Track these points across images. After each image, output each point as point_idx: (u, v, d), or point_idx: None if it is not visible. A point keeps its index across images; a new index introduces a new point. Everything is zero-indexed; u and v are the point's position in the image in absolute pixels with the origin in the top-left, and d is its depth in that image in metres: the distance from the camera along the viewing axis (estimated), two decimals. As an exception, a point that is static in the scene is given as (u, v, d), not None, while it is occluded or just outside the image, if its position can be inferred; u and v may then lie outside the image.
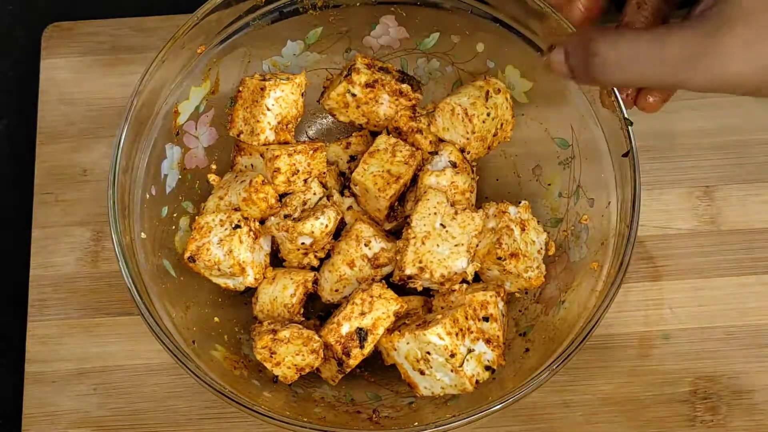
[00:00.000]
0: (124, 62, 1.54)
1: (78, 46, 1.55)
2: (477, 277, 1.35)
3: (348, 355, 1.29)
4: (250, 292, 1.36)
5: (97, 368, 1.41)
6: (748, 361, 1.40)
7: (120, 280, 1.42)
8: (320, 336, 1.29)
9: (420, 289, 1.31)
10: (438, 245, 1.30)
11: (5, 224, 1.52)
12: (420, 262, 1.30)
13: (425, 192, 1.33)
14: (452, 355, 1.24)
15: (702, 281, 1.43)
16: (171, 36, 1.32)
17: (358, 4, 1.39)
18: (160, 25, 1.56)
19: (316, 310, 1.39)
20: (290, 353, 1.29)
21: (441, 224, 1.31)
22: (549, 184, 1.38)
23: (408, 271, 1.30)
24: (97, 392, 1.40)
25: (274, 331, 1.28)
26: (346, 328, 1.29)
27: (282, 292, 1.33)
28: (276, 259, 1.37)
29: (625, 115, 1.28)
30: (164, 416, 1.39)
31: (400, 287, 1.34)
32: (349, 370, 1.31)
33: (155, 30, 1.56)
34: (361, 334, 1.29)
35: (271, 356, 1.29)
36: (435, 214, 1.31)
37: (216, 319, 1.36)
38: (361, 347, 1.29)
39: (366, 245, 1.34)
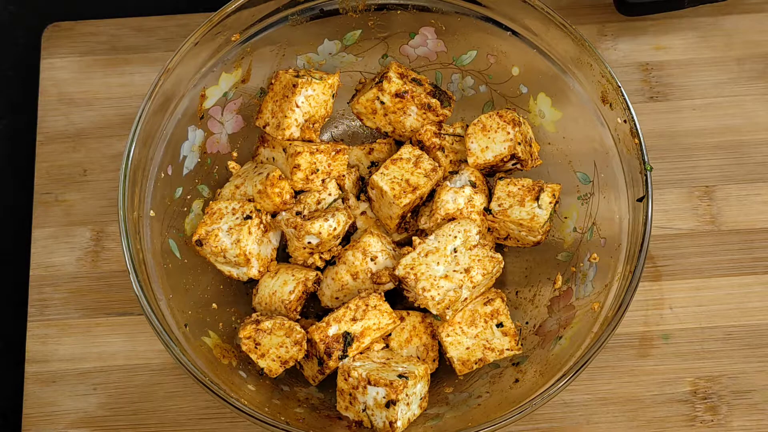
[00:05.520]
0: (124, 62, 1.54)
1: (78, 46, 1.55)
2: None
3: (330, 356, 1.29)
4: (253, 283, 1.36)
5: (97, 368, 1.41)
6: (748, 361, 1.40)
7: (120, 279, 1.44)
8: (307, 332, 1.29)
9: (417, 304, 1.31)
10: (438, 263, 1.30)
11: (5, 224, 1.52)
12: (412, 269, 1.30)
13: (459, 216, 1.33)
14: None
15: (702, 281, 1.43)
16: (207, 20, 1.33)
17: (398, 11, 1.39)
18: (160, 25, 1.56)
19: (317, 311, 1.39)
20: (274, 345, 1.29)
21: (454, 249, 1.30)
22: (565, 218, 1.38)
23: (397, 272, 1.30)
24: (97, 392, 1.40)
25: (258, 322, 1.29)
26: (333, 330, 1.30)
27: (281, 288, 1.33)
28: (284, 255, 1.38)
29: (646, 160, 1.28)
30: (164, 416, 1.39)
31: (402, 300, 1.35)
32: (329, 372, 1.31)
33: (155, 30, 1.56)
34: (347, 339, 1.29)
35: (255, 347, 1.29)
36: (455, 238, 1.31)
37: (214, 305, 1.36)
38: (344, 352, 1.29)
39: (372, 260, 1.34)
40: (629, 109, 1.31)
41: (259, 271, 1.35)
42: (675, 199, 1.47)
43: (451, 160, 1.40)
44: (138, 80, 1.53)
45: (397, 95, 1.37)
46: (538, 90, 1.39)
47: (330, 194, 1.37)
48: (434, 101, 1.38)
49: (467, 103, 1.44)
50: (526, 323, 1.37)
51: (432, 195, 1.37)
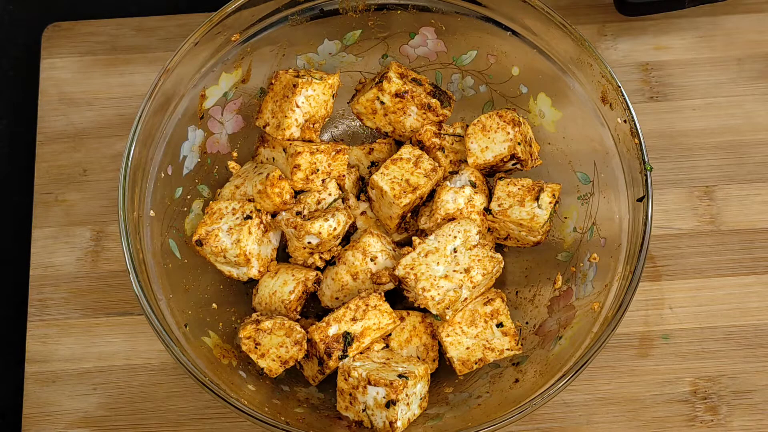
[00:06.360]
0: (124, 62, 1.54)
1: (78, 46, 1.55)
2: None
3: (330, 356, 1.29)
4: (253, 283, 1.36)
5: (97, 368, 1.41)
6: (748, 361, 1.40)
7: (120, 279, 1.44)
8: (307, 332, 1.29)
9: (417, 304, 1.31)
10: (438, 263, 1.30)
11: (5, 224, 1.52)
12: (412, 269, 1.30)
13: (459, 216, 1.33)
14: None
15: (702, 281, 1.43)
16: (207, 20, 1.33)
17: (398, 11, 1.39)
18: (160, 25, 1.56)
19: (317, 311, 1.39)
20: (274, 345, 1.29)
21: (454, 249, 1.30)
22: (565, 218, 1.38)
23: (397, 272, 1.30)
24: (97, 392, 1.40)
25: (258, 321, 1.29)
26: (333, 330, 1.30)
27: (281, 288, 1.33)
28: (284, 255, 1.38)
29: (646, 160, 1.28)
30: (164, 416, 1.39)
31: (402, 300, 1.35)
32: (329, 372, 1.31)
33: (155, 30, 1.56)
34: (347, 339, 1.29)
35: (255, 347, 1.29)
36: (455, 238, 1.31)
37: (214, 305, 1.36)
38: (344, 352, 1.29)
39: (372, 260, 1.34)
40: (629, 109, 1.31)
41: (259, 271, 1.35)
42: (675, 199, 1.47)
43: (451, 160, 1.40)
44: (138, 80, 1.53)
45: (397, 95, 1.37)
46: (538, 90, 1.39)
47: (330, 194, 1.37)
48: (434, 101, 1.38)
49: (467, 103, 1.44)
50: (526, 323, 1.37)
51: (432, 195, 1.37)
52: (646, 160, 1.29)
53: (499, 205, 1.34)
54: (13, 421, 1.43)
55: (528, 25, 1.36)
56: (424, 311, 1.33)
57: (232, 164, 1.40)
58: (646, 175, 1.28)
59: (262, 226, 1.34)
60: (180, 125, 1.35)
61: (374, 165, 1.43)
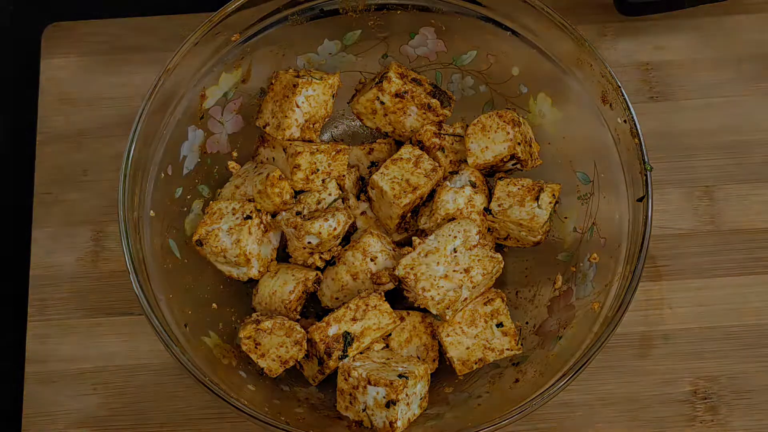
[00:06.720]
0: (124, 62, 1.54)
1: (78, 46, 1.55)
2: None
3: (330, 356, 1.29)
4: (253, 283, 1.36)
5: (97, 368, 1.41)
6: (748, 361, 1.40)
7: (120, 279, 1.44)
8: (307, 332, 1.29)
9: (417, 304, 1.31)
10: (438, 263, 1.30)
11: (5, 224, 1.52)
12: (412, 269, 1.30)
13: (459, 216, 1.33)
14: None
15: (702, 281, 1.43)
16: (207, 20, 1.33)
17: (398, 11, 1.39)
18: (160, 25, 1.56)
19: (317, 311, 1.39)
20: (274, 345, 1.29)
21: (454, 249, 1.30)
22: (565, 218, 1.38)
23: (397, 272, 1.30)
24: (97, 392, 1.40)
25: (258, 321, 1.29)
26: (333, 329, 1.30)
27: (281, 288, 1.33)
28: (284, 255, 1.38)
29: (646, 160, 1.28)
30: (164, 416, 1.39)
31: (402, 300, 1.35)
32: (329, 372, 1.31)
33: (155, 30, 1.56)
34: (347, 339, 1.29)
35: (255, 347, 1.29)
36: (455, 238, 1.31)
37: (214, 305, 1.36)
38: (344, 352, 1.29)
39: (372, 260, 1.34)
40: (629, 109, 1.31)
41: (259, 271, 1.35)
42: (675, 199, 1.47)
43: (451, 160, 1.40)
44: (138, 80, 1.53)
45: (397, 95, 1.37)
46: (538, 90, 1.39)
47: (330, 194, 1.37)
48: (434, 101, 1.38)
49: (467, 103, 1.44)
50: (526, 323, 1.37)
51: (432, 195, 1.37)
52: (646, 160, 1.29)
53: (499, 205, 1.34)
54: (13, 421, 1.43)
55: (528, 25, 1.36)
56: (424, 311, 1.33)
57: (232, 164, 1.40)
58: (646, 175, 1.28)
59: (262, 226, 1.34)
60: (180, 125, 1.35)
61: (374, 165, 1.43)
